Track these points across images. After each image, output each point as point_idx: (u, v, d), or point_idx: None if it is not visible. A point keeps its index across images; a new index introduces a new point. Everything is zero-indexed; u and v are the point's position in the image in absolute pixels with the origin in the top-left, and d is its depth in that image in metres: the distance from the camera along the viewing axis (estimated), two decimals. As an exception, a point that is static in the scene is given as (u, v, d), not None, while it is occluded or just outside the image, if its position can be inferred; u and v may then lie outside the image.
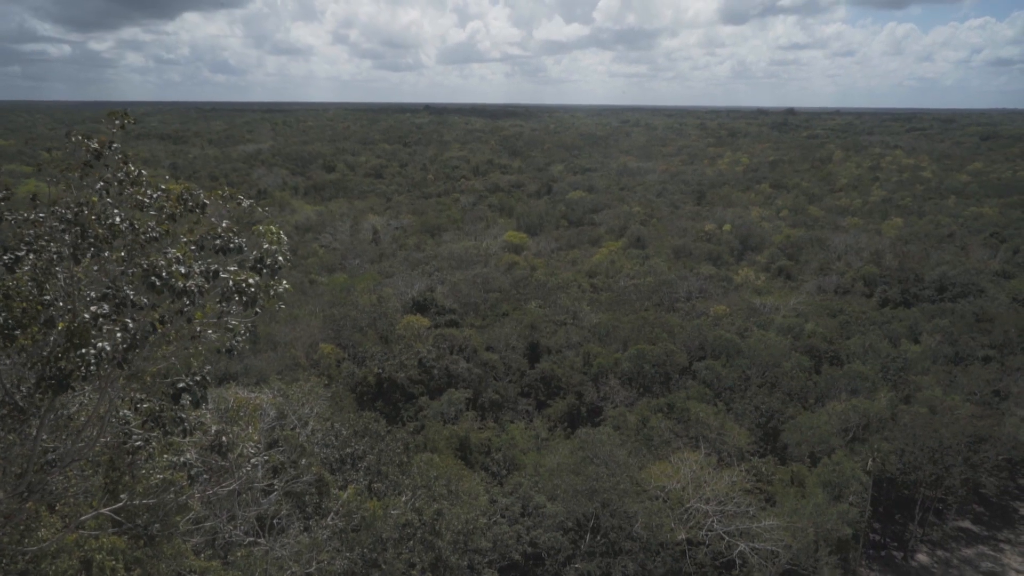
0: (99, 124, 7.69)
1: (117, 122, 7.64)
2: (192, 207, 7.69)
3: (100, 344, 6.77)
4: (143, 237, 7.34)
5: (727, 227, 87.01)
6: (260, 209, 8.30)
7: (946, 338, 49.27)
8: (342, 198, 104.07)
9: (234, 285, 7.46)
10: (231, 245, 7.67)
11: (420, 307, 51.93)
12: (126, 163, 7.48)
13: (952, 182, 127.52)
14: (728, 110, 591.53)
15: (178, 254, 7.30)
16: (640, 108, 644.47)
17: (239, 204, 7.96)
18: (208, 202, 7.72)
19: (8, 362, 7.54)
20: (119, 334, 6.97)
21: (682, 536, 26.11)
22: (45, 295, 7.33)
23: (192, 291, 7.17)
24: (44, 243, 7.37)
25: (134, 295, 7.15)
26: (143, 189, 7.62)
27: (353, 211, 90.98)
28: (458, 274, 59.53)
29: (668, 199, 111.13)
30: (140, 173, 7.55)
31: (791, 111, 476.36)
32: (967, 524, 39.00)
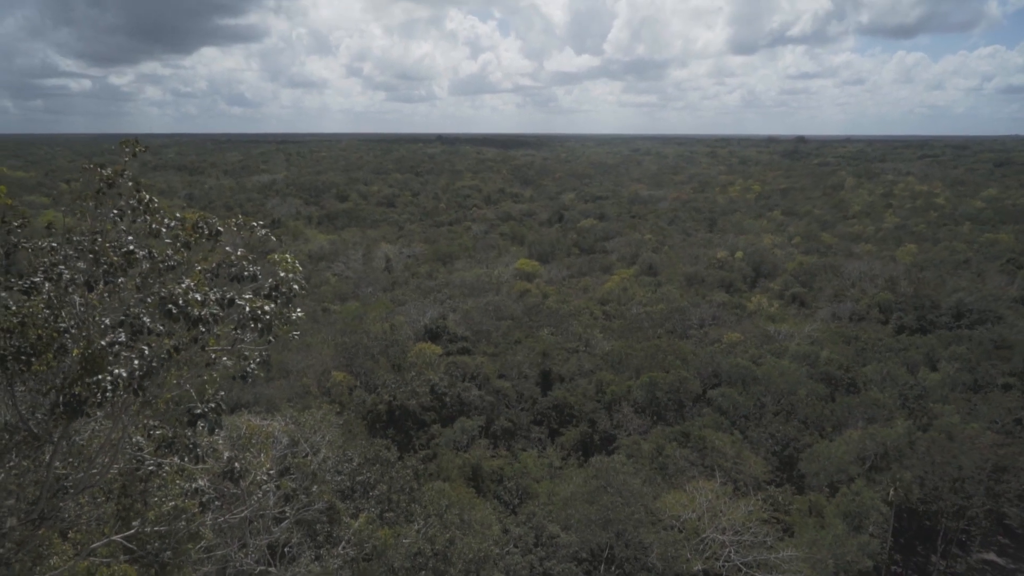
0: (115, 155, 7.81)
1: (128, 150, 7.71)
2: (207, 235, 7.71)
3: (116, 371, 6.75)
4: (161, 265, 7.37)
5: (739, 254, 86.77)
6: (274, 238, 8.35)
7: (964, 365, 48.73)
8: (355, 227, 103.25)
9: (250, 312, 7.40)
10: (246, 273, 7.69)
11: (432, 335, 51.58)
12: (139, 191, 7.56)
13: (966, 208, 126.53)
14: (738, 138, 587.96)
15: (192, 282, 7.30)
16: (651, 137, 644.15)
17: (253, 232, 7.99)
18: (222, 230, 7.75)
19: (22, 389, 7.52)
20: (136, 361, 6.92)
21: (698, 567, 25.65)
22: (60, 322, 7.34)
23: (207, 319, 7.12)
24: (59, 270, 7.43)
25: (150, 322, 7.09)
26: (158, 217, 7.67)
27: (366, 240, 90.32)
28: (470, 302, 58.68)
29: (680, 227, 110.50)
30: (152, 200, 7.60)
31: (802, 139, 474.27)
32: (992, 556, 38.10)
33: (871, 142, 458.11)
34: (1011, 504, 35.28)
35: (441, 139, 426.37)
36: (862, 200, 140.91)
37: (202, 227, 7.66)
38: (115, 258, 7.13)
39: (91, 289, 7.11)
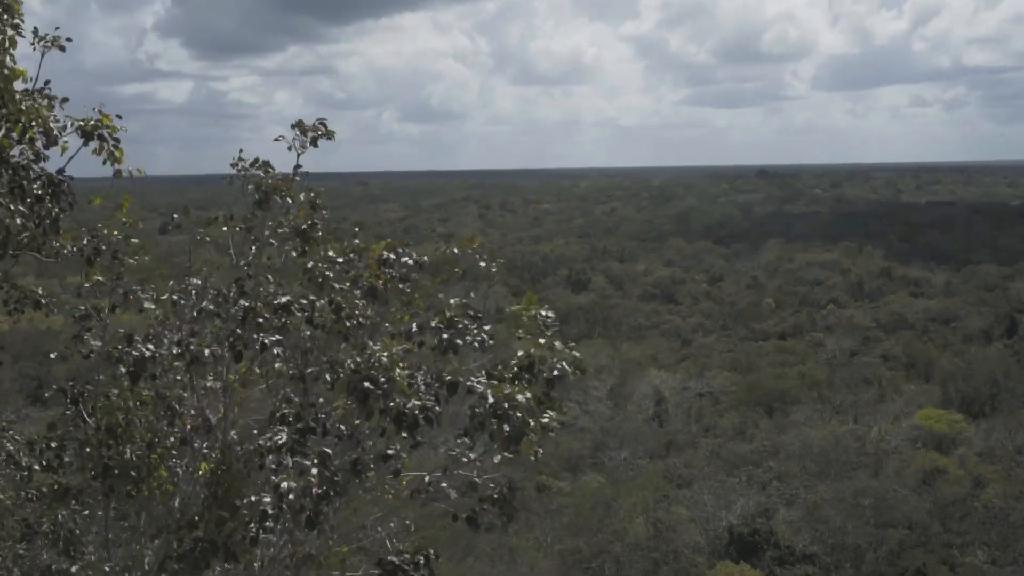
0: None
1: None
2: (404, 275, 8.78)
3: (283, 484, 7.36)
4: (349, 323, 8.40)
5: None
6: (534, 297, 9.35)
7: None
8: (600, 338, 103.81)
9: (491, 407, 7.92)
10: (468, 338, 8.43)
11: (745, 546, 49.74)
12: (316, 205, 8.58)
13: None
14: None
15: (391, 351, 7.99)
16: None
17: (483, 264, 9.26)
18: (417, 264, 8.88)
19: (125, 526, 8.88)
20: (312, 472, 7.51)
21: None
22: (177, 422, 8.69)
23: (418, 416, 7.70)
24: (188, 343, 8.30)
25: (326, 417, 7.96)
26: (324, 248, 8.81)
27: (619, 362, 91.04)
28: (822, 487, 54.34)
29: None
30: (314, 223, 8.66)
31: None
32: None
33: None
34: None
35: (764, 173, 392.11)
36: None
37: (396, 262, 8.90)
38: (267, 315, 8.13)
39: (238, 359, 8.12)
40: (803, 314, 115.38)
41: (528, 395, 8.30)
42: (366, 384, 7.84)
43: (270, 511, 7.52)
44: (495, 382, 8.35)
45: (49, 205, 7.63)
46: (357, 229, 9.90)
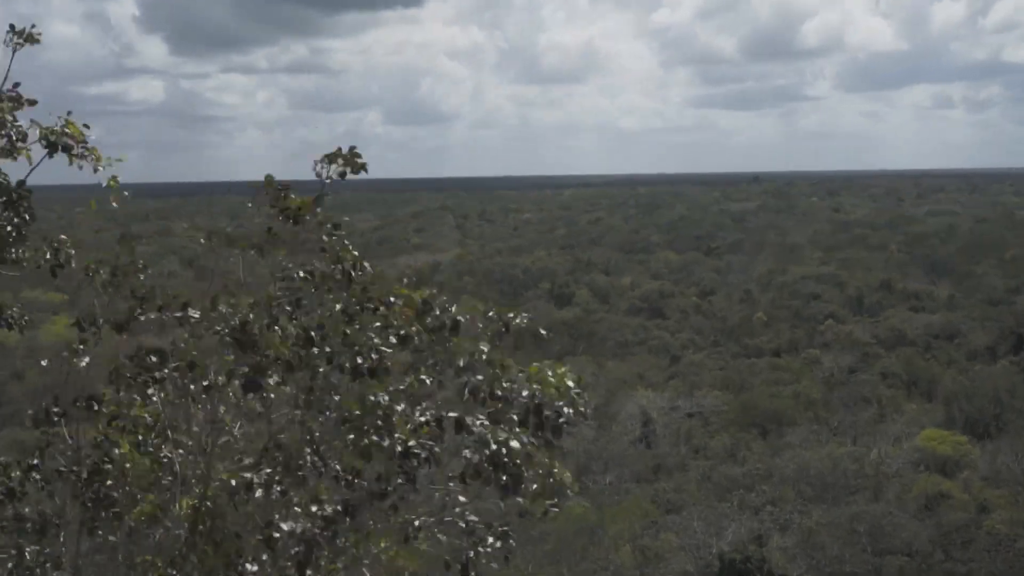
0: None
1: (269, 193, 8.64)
2: (438, 327, 8.66)
3: (286, 526, 7.88)
4: (366, 364, 8.26)
5: None
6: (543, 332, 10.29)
7: None
8: (584, 355, 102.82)
9: (490, 454, 8.10)
10: (498, 392, 8.55)
11: (737, 575, 50.34)
12: (335, 230, 8.52)
13: None
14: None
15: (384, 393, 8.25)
16: None
17: (507, 325, 9.11)
18: (464, 319, 8.74)
19: (98, 560, 9.10)
20: (315, 507, 8.09)
21: None
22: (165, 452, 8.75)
23: (418, 453, 8.00)
24: (176, 380, 8.57)
25: (330, 457, 8.26)
26: (363, 288, 8.76)
27: (605, 380, 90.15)
28: (818, 513, 55.33)
29: None
30: (348, 251, 8.66)
31: None
32: None
33: None
34: None
35: (762, 180, 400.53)
36: None
37: (433, 312, 8.71)
38: (280, 349, 8.11)
39: (248, 391, 8.15)
40: (798, 329, 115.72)
41: (526, 439, 8.41)
42: (375, 420, 8.11)
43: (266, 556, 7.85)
44: (493, 426, 8.49)
45: (9, 214, 7.82)
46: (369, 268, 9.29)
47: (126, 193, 8.63)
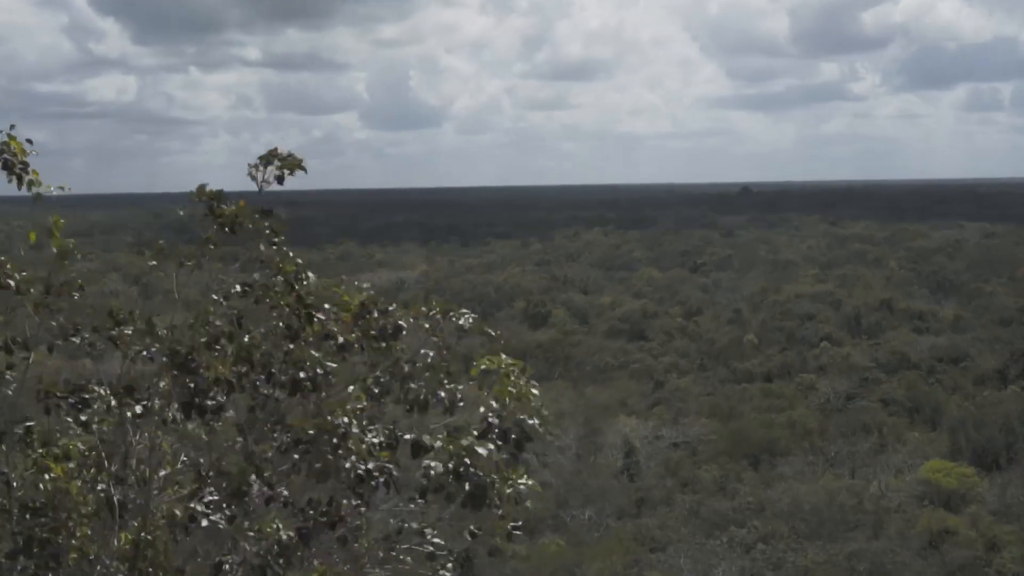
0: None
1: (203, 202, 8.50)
2: (379, 333, 8.79)
3: (235, 557, 8.05)
4: (306, 377, 8.30)
5: None
6: (491, 332, 9.57)
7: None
8: (561, 380, 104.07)
9: (453, 466, 8.15)
10: (441, 394, 8.71)
11: None
12: (275, 237, 8.38)
13: None
14: None
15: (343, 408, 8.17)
16: None
17: (449, 324, 9.16)
18: (405, 324, 8.84)
19: None
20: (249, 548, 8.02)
21: None
22: (100, 483, 8.54)
23: (374, 477, 7.98)
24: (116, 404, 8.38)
25: (278, 482, 8.12)
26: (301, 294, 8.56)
27: (584, 407, 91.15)
28: (814, 551, 56.31)
29: None
30: (290, 260, 8.45)
31: None
32: None
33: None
34: None
35: (750, 190, 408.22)
36: None
37: (372, 317, 8.81)
38: (221, 368, 8.01)
39: (188, 415, 8.19)
40: (792, 352, 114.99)
41: (492, 447, 8.42)
42: (331, 441, 8.08)
43: None
44: (452, 437, 8.56)
45: None
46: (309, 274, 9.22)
47: (62, 221, 8.55)
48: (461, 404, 9.09)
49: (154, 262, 8.90)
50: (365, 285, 9.18)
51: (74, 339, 8.64)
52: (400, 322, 9.09)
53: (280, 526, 8.40)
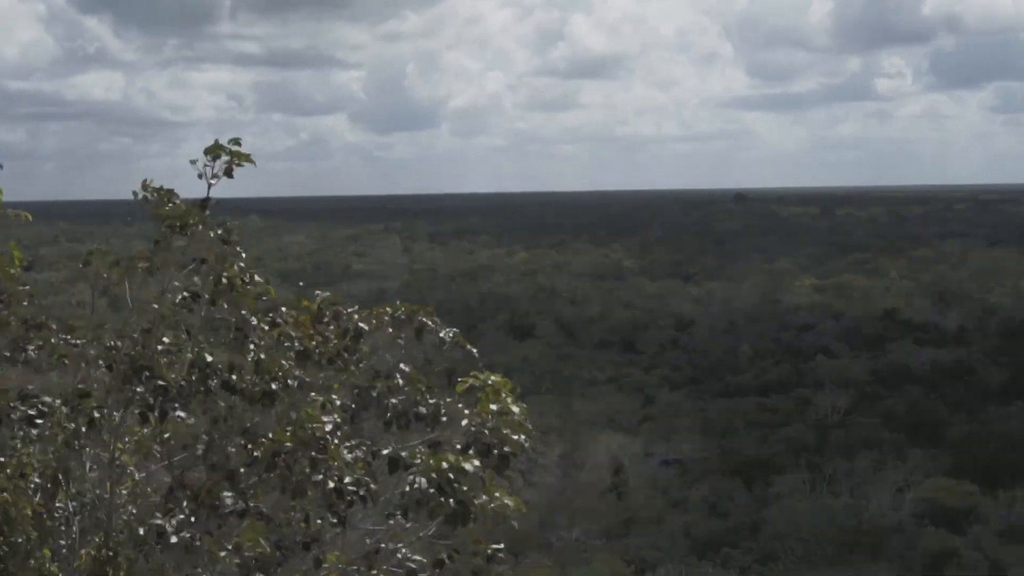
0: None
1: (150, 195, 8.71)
2: (342, 337, 8.94)
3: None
4: (276, 386, 8.41)
5: None
6: (471, 348, 9.59)
7: None
8: (547, 394, 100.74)
9: (436, 479, 8.09)
10: (421, 410, 8.91)
11: None
12: (227, 239, 8.43)
13: None
14: None
15: (316, 422, 8.07)
16: None
17: (425, 331, 9.24)
18: (367, 327, 8.96)
19: None
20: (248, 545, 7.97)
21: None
22: (59, 497, 8.51)
23: (354, 493, 8.04)
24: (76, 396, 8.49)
25: (250, 501, 8.07)
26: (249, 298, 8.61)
27: (571, 424, 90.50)
28: (811, 572, 57.31)
29: None
30: (239, 265, 8.46)
31: None
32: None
33: None
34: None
35: (742, 198, 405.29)
36: None
37: (330, 321, 9.02)
38: (172, 377, 8.17)
39: (145, 419, 8.28)
40: (788, 365, 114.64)
41: (477, 463, 8.47)
42: (309, 454, 8.11)
43: None
44: (435, 452, 8.69)
45: None
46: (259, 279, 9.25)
47: (24, 257, 8.94)
48: (444, 419, 9.20)
49: (106, 274, 9.02)
50: (327, 294, 9.11)
51: (30, 349, 8.83)
52: (361, 324, 9.12)
53: (261, 540, 8.30)
